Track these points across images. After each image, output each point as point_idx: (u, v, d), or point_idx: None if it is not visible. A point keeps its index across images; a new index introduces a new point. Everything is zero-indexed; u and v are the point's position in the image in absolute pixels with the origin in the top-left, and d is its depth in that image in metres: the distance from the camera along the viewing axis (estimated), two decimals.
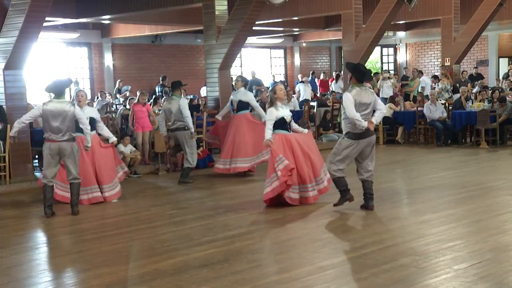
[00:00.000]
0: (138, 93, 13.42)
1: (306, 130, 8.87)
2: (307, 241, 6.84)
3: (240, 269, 5.67)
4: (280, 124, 8.32)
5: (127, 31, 21.29)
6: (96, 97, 19.22)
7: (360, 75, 7.84)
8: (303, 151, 8.37)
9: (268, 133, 8.21)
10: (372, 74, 18.46)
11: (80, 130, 8.64)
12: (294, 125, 8.70)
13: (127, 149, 11.66)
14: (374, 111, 7.83)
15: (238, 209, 8.39)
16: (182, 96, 11.28)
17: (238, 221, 7.73)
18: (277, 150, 8.17)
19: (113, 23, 21.06)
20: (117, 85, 21.20)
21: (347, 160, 7.82)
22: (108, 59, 22.46)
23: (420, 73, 20.57)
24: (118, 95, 20.35)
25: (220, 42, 14.42)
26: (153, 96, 16.86)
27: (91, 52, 22.30)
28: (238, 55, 21.52)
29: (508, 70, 21.86)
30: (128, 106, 14.65)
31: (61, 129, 8.20)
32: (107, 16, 17.26)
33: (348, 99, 7.63)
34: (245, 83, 11.62)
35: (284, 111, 8.41)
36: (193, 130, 10.79)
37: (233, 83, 13.22)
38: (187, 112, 10.63)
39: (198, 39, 22.33)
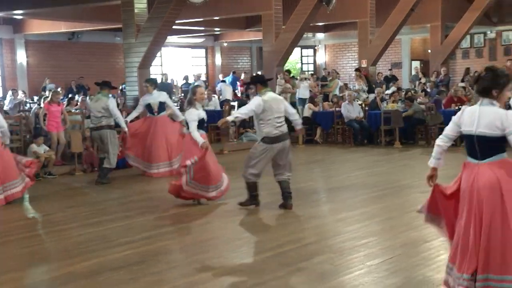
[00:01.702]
0: (50, 92, 13.06)
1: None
2: (226, 240, 6.87)
3: (158, 270, 5.62)
4: (200, 124, 8.30)
5: (41, 27, 20.59)
6: (8, 95, 18.56)
7: (261, 80, 8.14)
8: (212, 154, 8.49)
9: (197, 135, 8.14)
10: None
11: None
12: None
13: (41, 149, 11.31)
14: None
15: (156, 210, 8.33)
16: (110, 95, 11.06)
17: (156, 222, 7.66)
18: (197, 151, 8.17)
19: (27, 19, 20.33)
20: (44, 83, 20.53)
21: (262, 164, 7.88)
22: (21, 56, 21.68)
23: (337, 74, 21.08)
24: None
25: (140, 40, 14.23)
26: (69, 95, 16.43)
27: (2, 48, 21.48)
28: (158, 54, 21.29)
29: (416, 73, 22.70)
30: (42, 105, 14.22)
31: None
32: (20, 11, 16.68)
33: (258, 100, 7.75)
34: (155, 84, 11.65)
35: (202, 112, 8.41)
36: (126, 129, 10.69)
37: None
38: (117, 113, 10.48)
39: (117, 37, 21.92)
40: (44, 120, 12.30)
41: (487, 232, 4.29)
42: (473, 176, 4.38)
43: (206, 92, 13.95)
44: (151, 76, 14.52)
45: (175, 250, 6.48)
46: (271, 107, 7.75)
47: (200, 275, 5.54)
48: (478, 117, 4.37)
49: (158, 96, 11.28)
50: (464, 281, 4.34)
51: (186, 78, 22.85)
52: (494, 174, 4.30)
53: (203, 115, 8.38)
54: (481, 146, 4.37)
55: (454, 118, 4.63)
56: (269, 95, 7.90)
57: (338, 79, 20.43)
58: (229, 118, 8.08)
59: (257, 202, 8.14)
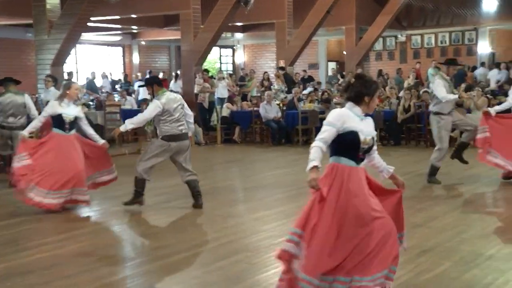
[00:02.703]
0: None
1: (102, 141, 8.21)
2: (141, 241, 6.74)
3: (70, 274, 5.43)
4: (58, 122, 7.87)
5: None
6: None
7: (157, 81, 8.11)
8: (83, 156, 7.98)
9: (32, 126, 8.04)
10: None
11: None
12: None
13: None
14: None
15: (66, 212, 7.97)
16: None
17: (68, 224, 7.39)
18: (26, 147, 7.88)
19: None
20: None
21: (155, 161, 7.79)
22: None
23: (254, 73, 21.25)
24: None
25: (52, 37, 13.81)
26: None
27: None
28: (73, 52, 20.72)
29: (333, 74, 23.16)
30: None
31: None
32: None
33: (156, 106, 7.67)
34: (55, 82, 11.28)
35: (68, 110, 7.91)
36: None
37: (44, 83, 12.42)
38: (35, 112, 9.94)
39: (29, 33, 21.12)
40: None
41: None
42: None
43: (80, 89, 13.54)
44: (65, 74, 14.12)
45: (88, 252, 6.26)
46: (171, 107, 7.70)
47: (112, 278, 5.41)
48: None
49: (54, 95, 10.73)
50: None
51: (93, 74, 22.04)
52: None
53: (62, 111, 7.85)
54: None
55: (332, 120, 4.55)
56: (167, 96, 7.82)
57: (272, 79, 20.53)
58: (122, 129, 7.82)
59: (141, 200, 7.94)
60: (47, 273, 5.45)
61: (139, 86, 17.20)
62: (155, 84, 7.98)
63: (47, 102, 10.54)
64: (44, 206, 7.68)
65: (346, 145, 4.35)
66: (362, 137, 4.33)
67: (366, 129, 4.40)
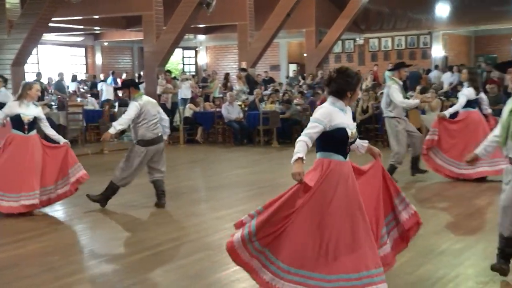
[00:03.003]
0: None
1: (63, 140, 7.87)
2: (103, 240, 6.68)
3: (31, 274, 5.34)
4: (16, 123, 7.62)
5: None
6: None
7: (134, 83, 8.06)
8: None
9: None
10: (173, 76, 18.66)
11: None
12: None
13: None
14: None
15: (26, 212, 7.71)
16: None
17: (28, 224, 7.25)
18: None
19: None
20: None
21: (138, 170, 7.82)
22: None
23: (217, 74, 21.21)
24: None
25: (13, 37, 13.56)
26: None
27: None
28: (35, 52, 20.36)
29: (294, 75, 23.25)
30: None
31: None
32: None
33: (135, 106, 7.62)
34: (5, 82, 11.06)
35: (28, 110, 7.63)
36: None
37: None
38: None
39: None
40: None
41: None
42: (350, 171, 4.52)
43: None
44: (26, 75, 13.85)
45: (49, 252, 6.16)
46: (148, 110, 7.68)
47: (74, 277, 5.34)
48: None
49: (2, 97, 10.45)
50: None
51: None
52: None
53: (21, 112, 7.58)
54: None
55: (318, 117, 4.53)
56: (144, 98, 7.83)
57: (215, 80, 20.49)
58: (111, 131, 7.68)
59: (104, 204, 7.89)
60: (8, 273, 5.36)
61: (116, 89, 16.97)
62: (131, 86, 7.90)
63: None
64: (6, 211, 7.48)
65: (336, 141, 4.38)
66: (349, 132, 4.38)
67: (350, 122, 4.44)
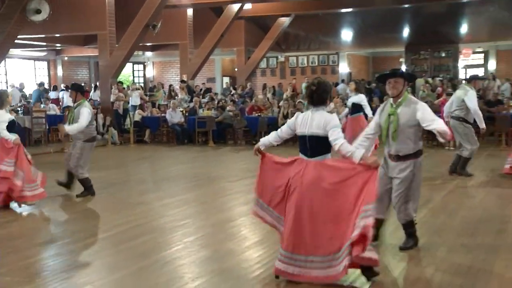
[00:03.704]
0: None
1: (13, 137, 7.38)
2: (62, 226, 6.49)
3: None
4: (11, 127, 7.28)
5: None
6: None
7: (82, 89, 7.96)
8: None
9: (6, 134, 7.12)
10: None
11: None
12: None
13: None
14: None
15: None
16: None
17: None
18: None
19: None
20: None
21: (89, 161, 7.96)
22: None
23: (162, 85, 20.97)
24: None
25: None
26: None
27: None
28: (3, 65, 19.50)
29: (227, 86, 23.23)
30: None
31: None
32: None
33: (88, 111, 7.69)
34: None
35: (7, 115, 7.34)
36: None
37: None
38: None
39: None
40: None
41: (300, 218, 4.20)
42: (301, 170, 4.27)
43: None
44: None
45: (15, 236, 5.92)
46: (92, 115, 7.90)
47: (38, 256, 5.21)
48: (310, 120, 4.31)
49: None
50: (282, 256, 4.25)
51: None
52: (318, 173, 4.21)
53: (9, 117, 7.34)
54: (311, 145, 4.30)
55: (288, 121, 4.52)
56: (87, 104, 7.85)
57: (161, 90, 20.21)
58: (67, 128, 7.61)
59: (93, 192, 7.89)
60: None
61: (65, 89, 16.29)
62: (79, 92, 7.84)
63: None
64: None
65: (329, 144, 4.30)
66: None
67: None
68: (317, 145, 4.27)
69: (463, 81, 13.28)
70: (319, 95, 4.32)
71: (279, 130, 4.62)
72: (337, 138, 4.20)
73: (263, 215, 4.51)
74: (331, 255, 4.11)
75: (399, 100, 4.90)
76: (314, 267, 4.16)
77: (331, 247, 4.11)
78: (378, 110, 5.12)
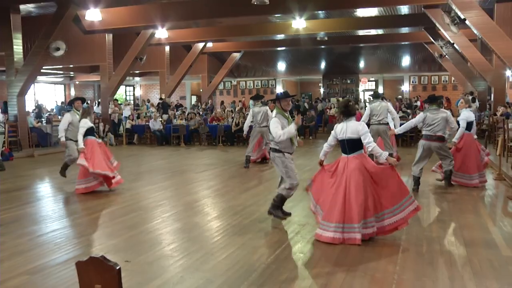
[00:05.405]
0: None
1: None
2: (60, 207, 6.22)
3: None
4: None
5: None
6: None
7: (79, 100, 7.74)
8: None
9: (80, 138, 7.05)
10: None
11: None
12: None
13: None
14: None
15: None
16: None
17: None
18: None
19: None
20: None
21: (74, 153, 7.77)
22: None
23: (148, 102, 20.67)
24: None
25: (18, 78, 12.63)
26: None
27: None
28: (32, 88, 18.75)
29: (196, 104, 23.13)
30: None
31: None
32: None
33: (66, 119, 7.53)
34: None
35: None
36: None
37: None
38: None
39: (3, 75, 18.54)
40: None
41: (349, 196, 4.11)
42: (346, 162, 4.25)
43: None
44: (26, 102, 12.91)
45: (36, 214, 5.69)
46: (72, 120, 7.64)
47: (54, 228, 5.05)
48: (346, 128, 4.31)
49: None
50: (331, 228, 4.12)
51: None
52: (359, 161, 4.18)
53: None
54: (349, 146, 4.29)
55: (332, 132, 4.43)
56: (72, 112, 7.66)
57: (146, 105, 19.89)
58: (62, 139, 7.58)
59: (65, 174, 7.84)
60: None
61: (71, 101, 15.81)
62: (74, 103, 7.71)
63: None
64: None
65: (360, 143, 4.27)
66: None
67: None
68: (353, 145, 4.25)
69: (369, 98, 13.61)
70: (349, 111, 4.31)
71: (327, 142, 4.51)
72: (369, 142, 4.19)
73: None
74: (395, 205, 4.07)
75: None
76: (386, 218, 4.08)
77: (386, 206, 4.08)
78: None
